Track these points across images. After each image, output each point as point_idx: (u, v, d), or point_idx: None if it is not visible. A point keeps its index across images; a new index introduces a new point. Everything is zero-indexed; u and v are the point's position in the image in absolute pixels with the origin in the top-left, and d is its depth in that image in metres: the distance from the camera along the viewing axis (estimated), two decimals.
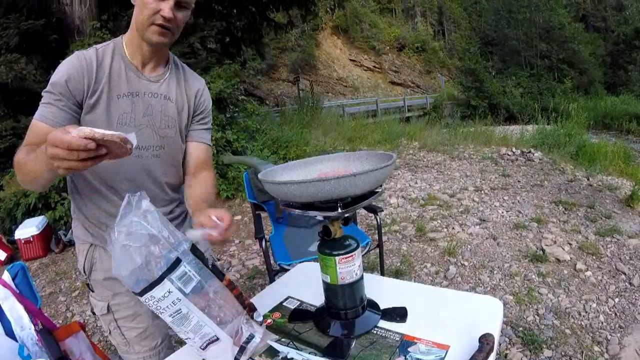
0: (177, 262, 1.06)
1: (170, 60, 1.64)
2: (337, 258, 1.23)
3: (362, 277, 1.30)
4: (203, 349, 1.17)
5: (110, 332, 1.74)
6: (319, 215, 1.19)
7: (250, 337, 1.22)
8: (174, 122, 1.59)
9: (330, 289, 1.30)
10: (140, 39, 1.48)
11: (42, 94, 1.44)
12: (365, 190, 1.14)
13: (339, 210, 1.14)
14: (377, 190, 1.23)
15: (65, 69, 1.43)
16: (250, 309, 1.24)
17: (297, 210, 1.21)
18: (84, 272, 1.68)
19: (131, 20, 1.51)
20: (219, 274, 1.17)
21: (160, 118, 1.55)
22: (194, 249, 1.12)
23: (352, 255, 1.24)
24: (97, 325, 3.73)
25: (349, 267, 1.24)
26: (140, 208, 1.06)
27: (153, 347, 1.75)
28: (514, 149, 8.72)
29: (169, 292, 1.06)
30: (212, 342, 1.17)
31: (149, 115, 1.53)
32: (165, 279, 1.05)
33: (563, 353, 2.74)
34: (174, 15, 1.41)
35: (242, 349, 1.21)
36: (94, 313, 1.73)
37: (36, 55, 7.79)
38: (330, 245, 1.25)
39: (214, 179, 1.73)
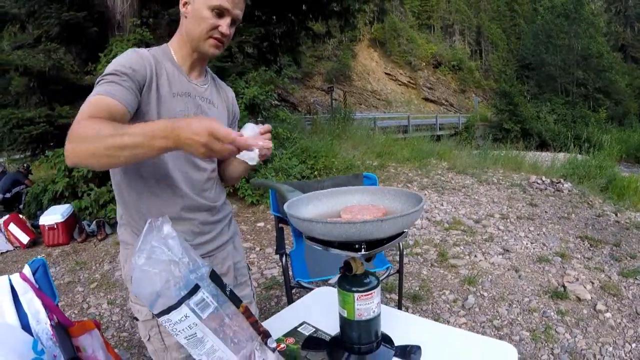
0: (195, 289, 1.07)
1: (207, 70, 1.72)
2: (355, 295, 1.22)
3: (379, 314, 1.30)
4: None
5: (149, 338, 1.74)
6: (342, 254, 1.20)
7: None
8: None
9: (346, 324, 1.29)
10: (192, 49, 1.55)
11: (103, 77, 1.39)
12: (391, 234, 1.14)
13: (363, 251, 1.15)
14: (403, 230, 1.23)
15: (127, 57, 1.45)
16: (265, 336, 1.24)
17: (320, 246, 1.22)
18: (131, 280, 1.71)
19: (178, 29, 1.58)
20: (236, 301, 1.18)
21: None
22: (213, 275, 1.13)
23: (371, 294, 1.24)
24: (112, 320, 3.80)
25: (367, 305, 1.24)
26: (161, 233, 1.08)
27: (189, 355, 1.78)
28: (543, 178, 8.59)
29: (186, 316, 1.07)
30: None
31: (198, 115, 1.57)
32: (183, 304, 1.05)
33: None
34: (229, 30, 1.50)
35: None
36: (136, 319, 1.75)
37: (75, 46, 7.97)
38: (350, 281, 1.25)
39: None
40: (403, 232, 1.23)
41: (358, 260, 1.24)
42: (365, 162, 9.55)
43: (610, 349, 3.18)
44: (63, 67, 7.36)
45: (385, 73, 39.12)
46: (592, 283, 4.16)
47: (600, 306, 3.73)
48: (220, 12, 1.47)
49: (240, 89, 7.43)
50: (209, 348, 1.14)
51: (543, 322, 3.51)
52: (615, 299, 3.90)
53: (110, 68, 1.40)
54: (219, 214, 1.75)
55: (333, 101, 26.41)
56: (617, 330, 3.43)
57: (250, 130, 1.37)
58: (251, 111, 7.64)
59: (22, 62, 6.85)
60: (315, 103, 29.52)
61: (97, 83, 1.38)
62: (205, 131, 1.08)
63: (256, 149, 1.34)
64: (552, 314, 3.64)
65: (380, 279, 2.91)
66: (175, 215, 1.57)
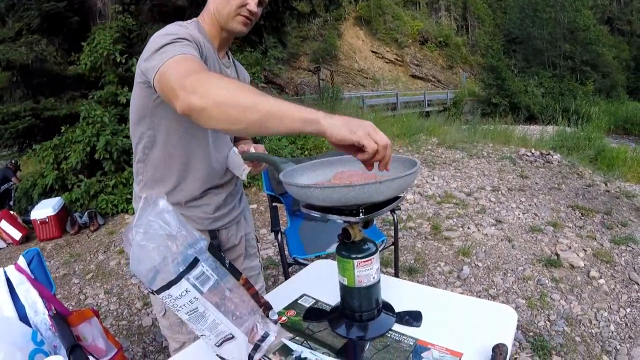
0: (195, 262, 1.06)
1: (228, 51, 1.73)
2: (355, 261, 1.22)
3: (379, 281, 1.30)
4: (218, 346, 1.18)
5: (164, 313, 1.76)
6: (340, 220, 1.19)
7: (265, 335, 1.22)
8: None
9: (346, 291, 1.30)
10: (221, 27, 1.56)
11: (165, 44, 1.31)
12: (389, 196, 1.13)
13: (361, 215, 1.14)
14: (399, 195, 1.23)
15: (180, 30, 1.40)
16: (266, 308, 1.24)
17: (317, 213, 1.22)
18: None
19: (206, 6, 1.58)
20: (236, 273, 1.17)
21: None
22: (212, 248, 1.12)
23: (370, 260, 1.23)
24: (109, 309, 3.81)
25: (367, 271, 1.24)
26: (157, 207, 1.05)
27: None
28: (533, 150, 8.63)
29: (186, 291, 1.06)
30: (228, 339, 1.17)
31: None
32: (183, 279, 1.04)
33: None
34: (257, 9, 1.52)
35: (256, 347, 1.21)
36: (152, 292, 1.76)
37: (57, 37, 7.86)
38: (349, 248, 1.25)
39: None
40: (399, 196, 1.23)
41: (356, 227, 1.24)
42: None
43: (606, 314, 3.22)
44: (46, 58, 7.29)
45: (372, 51, 38.91)
46: (585, 251, 4.20)
47: (593, 273, 3.77)
48: None
49: None
50: (211, 322, 1.13)
51: (538, 290, 3.56)
52: (608, 265, 3.94)
53: (168, 37, 1.32)
54: (236, 189, 1.81)
55: (320, 81, 26.26)
56: (612, 296, 3.46)
57: (233, 156, 1.64)
58: None
59: (4, 56, 6.79)
60: (302, 84, 29.34)
61: (159, 51, 1.29)
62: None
63: (246, 168, 1.62)
64: (547, 281, 3.68)
65: None
66: (204, 191, 1.65)
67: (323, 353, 1.23)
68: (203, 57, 1.44)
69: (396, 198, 1.22)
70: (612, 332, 3.02)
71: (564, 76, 33.72)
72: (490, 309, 1.41)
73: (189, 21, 1.57)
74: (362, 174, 1.30)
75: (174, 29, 1.41)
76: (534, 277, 3.75)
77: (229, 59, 1.72)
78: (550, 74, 33.91)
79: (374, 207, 1.17)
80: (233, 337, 1.17)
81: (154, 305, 1.81)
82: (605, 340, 2.94)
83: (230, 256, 1.87)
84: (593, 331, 3.04)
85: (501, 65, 31.10)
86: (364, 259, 1.23)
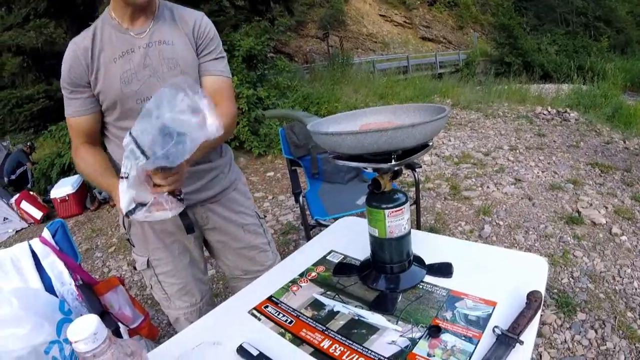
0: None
1: (159, 7, 1.61)
2: (386, 211, 1.22)
3: (409, 232, 1.29)
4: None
5: (152, 287, 1.79)
6: (370, 167, 1.18)
7: (144, 203, 1.28)
8: (175, 62, 1.57)
9: (377, 243, 1.29)
10: (124, 3, 1.50)
11: (62, 88, 1.59)
12: (420, 142, 1.11)
13: (393, 162, 1.13)
14: (428, 143, 1.21)
15: (65, 61, 1.54)
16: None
17: (347, 163, 1.20)
18: (124, 227, 1.74)
19: None
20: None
21: (161, 64, 1.55)
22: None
23: (401, 209, 1.23)
24: (133, 280, 3.85)
25: (398, 221, 1.23)
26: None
27: (193, 303, 1.81)
28: (549, 109, 8.54)
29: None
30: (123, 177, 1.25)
31: (148, 65, 1.54)
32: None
33: (597, 317, 2.72)
34: None
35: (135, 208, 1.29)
36: (135, 268, 1.80)
37: (65, 19, 7.82)
38: (379, 199, 1.24)
39: (230, 109, 1.67)
40: (429, 144, 1.21)
41: (386, 177, 1.23)
42: (368, 104, 9.49)
43: (629, 270, 3.19)
44: (55, 40, 7.30)
45: (380, 15, 38.28)
46: (606, 208, 4.15)
47: (615, 230, 3.72)
48: None
49: (236, 41, 7.31)
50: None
51: (560, 247, 3.53)
52: (629, 222, 3.90)
53: (61, 78, 1.57)
54: (199, 171, 1.71)
55: (330, 48, 25.99)
56: (634, 253, 3.43)
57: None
58: (248, 63, 7.52)
59: (14, 42, 6.82)
60: (311, 52, 29.11)
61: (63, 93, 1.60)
62: None
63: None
64: (569, 238, 3.65)
65: None
66: None
67: (356, 306, 1.23)
68: (89, 72, 1.53)
69: (425, 146, 1.20)
70: (636, 289, 2.99)
71: (577, 33, 33.07)
72: (520, 258, 1.41)
73: (98, 19, 1.60)
74: (388, 124, 1.28)
75: (64, 62, 1.56)
76: (555, 235, 3.72)
77: (155, 17, 1.59)
78: (563, 31, 33.30)
79: (405, 154, 1.16)
80: (127, 177, 1.24)
81: (145, 281, 1.87)
82: (629, 296, 2.91)
83: (215, 237, 1.83)
84: (617, 288, 3.01)
85: (513, 24, 30.50)
86: (395, 209, 1.22)
